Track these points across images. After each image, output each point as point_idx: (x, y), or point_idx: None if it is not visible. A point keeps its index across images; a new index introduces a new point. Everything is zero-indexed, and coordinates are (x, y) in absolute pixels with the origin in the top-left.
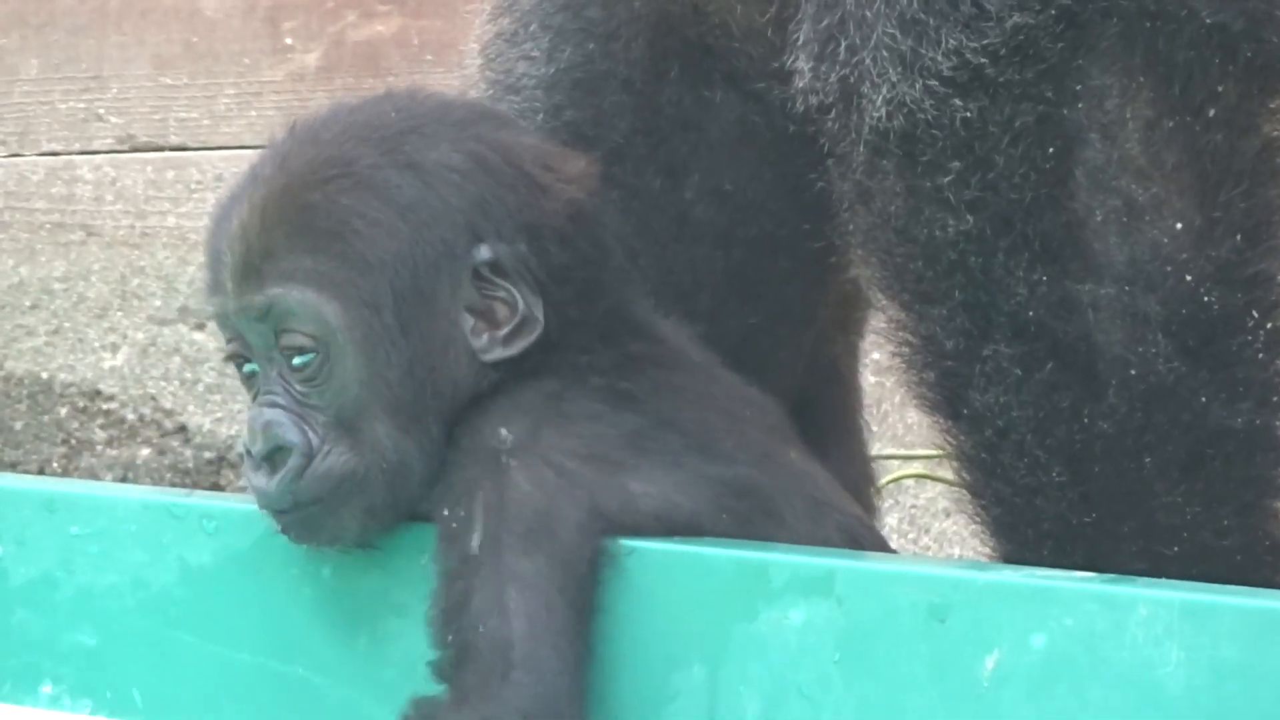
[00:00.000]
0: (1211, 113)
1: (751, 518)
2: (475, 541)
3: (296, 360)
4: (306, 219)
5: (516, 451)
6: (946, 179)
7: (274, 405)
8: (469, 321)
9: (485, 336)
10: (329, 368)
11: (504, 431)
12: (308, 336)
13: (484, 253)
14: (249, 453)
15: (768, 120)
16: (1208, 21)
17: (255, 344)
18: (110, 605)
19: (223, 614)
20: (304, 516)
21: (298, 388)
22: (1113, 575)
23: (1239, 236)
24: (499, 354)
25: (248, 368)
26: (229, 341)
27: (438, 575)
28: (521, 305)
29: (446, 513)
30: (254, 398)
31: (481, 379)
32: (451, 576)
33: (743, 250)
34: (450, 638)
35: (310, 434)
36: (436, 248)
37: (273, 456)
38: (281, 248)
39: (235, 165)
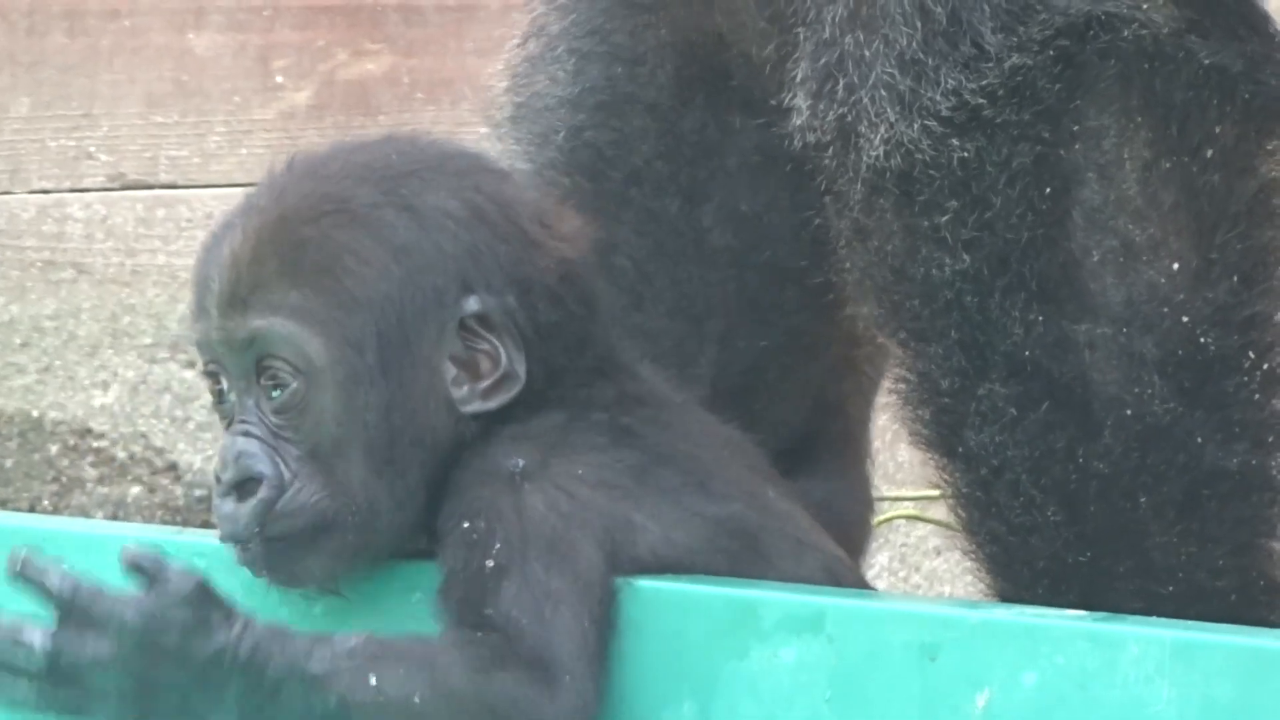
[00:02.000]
0: (1209, 154)
1: (742, 557)
2: (497, 549)
3: (275, 393)
4: (298, 253)
5: (529, 476)
6: (943, 218)
7: (248, 435)
8: (451, 371)
9: (466, 388)
10: (307, 403)
11: (516, 457)
12: (288, 371)
13: (473, 304)
14: (218, 479)
15: (786, 150)
16: (1206, 63)
17: (234, 372)
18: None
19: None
20: (268, 552)
21: (273, 419)
22: (1104, 614)
23: (1235, 278)
24: (478, 407)
25: (225, 390)
26: (207, 364)
27: (457, 570)
28: (505, 360)
29: (466, 525)
30: (227, 425)
31: (461, 430)
32: (478, 570)
33: (756, 276)
34: (489, 612)
35: (282, 468)
36: (426, 293)
37: (242, 485)
38: (270, 280)
39: (225, 203)
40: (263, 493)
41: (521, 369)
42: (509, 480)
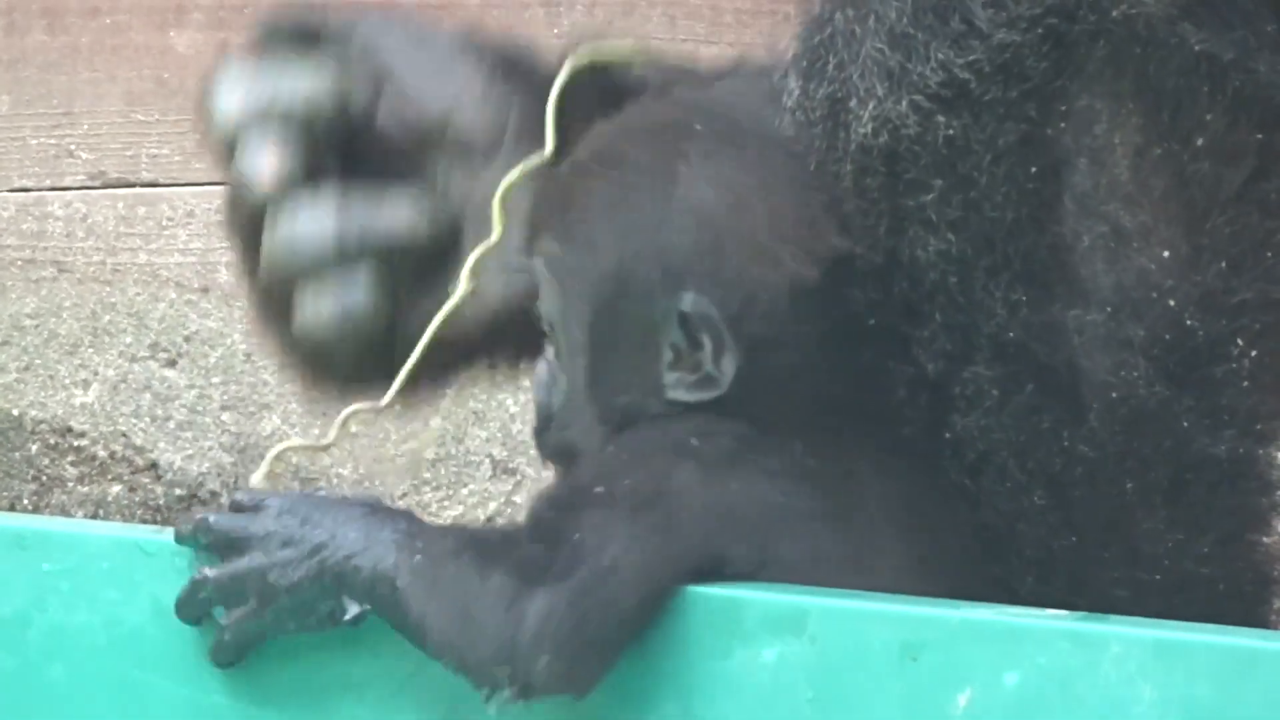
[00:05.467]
0: (1199, 141)
1: None
2: (625, 485)
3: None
4: (564, 201)
5: (695, 454)
6: (928, 197)
7: (545, 359)
8: (668, 357)
9: (674, 376)
10: (558, 347)
11: (692, 438)
12: (546, 314)
13: (696, 300)
14: None
15: None
16: (1197, 50)
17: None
18: (82, 643)
19: (194, 654)
20: None
21: (555, 354)
22: (1085, 614)
23: (1225, 264)
24: (680, 396)
25: None
26: None
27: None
28: (709, 362)
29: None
30: None
31: (654, 409)
32: (587, 487)
33: None
34: (558, 539)
35: (555, 395)
36: (656, 283)
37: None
38: (544, 221)
39: (206, 201)
40: (537, 422)
41: (728, 371)
42: (676, 448)
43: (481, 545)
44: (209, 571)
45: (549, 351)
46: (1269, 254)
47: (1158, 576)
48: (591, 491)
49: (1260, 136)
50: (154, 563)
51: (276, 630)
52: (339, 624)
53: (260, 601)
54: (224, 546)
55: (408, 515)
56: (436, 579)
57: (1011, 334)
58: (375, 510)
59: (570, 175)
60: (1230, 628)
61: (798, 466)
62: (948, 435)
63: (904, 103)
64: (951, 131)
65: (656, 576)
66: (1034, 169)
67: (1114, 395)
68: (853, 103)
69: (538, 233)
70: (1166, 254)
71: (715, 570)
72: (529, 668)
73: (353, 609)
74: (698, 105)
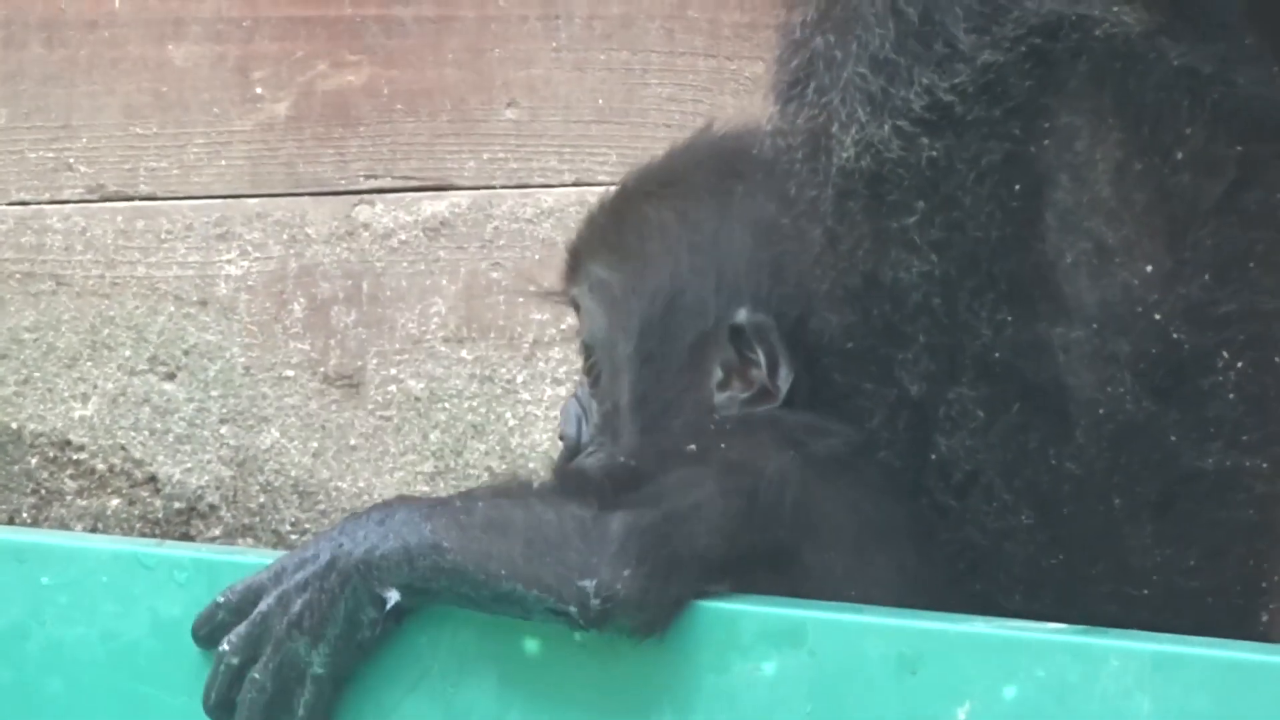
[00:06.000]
0: (1180, 154)
1: None
2: (719, 446)
3: (588, 358)
4: (615, 225)
5: (800, 445)
6: (911, 219)
7: (575, 395)
8: (717, 375)
9: (726, 395)
10: (599, 373)
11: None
12: (588, 341)
13: (750, 314)
14: None
15: None
16: (1176, 64)
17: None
18: (80, 656)
19: (193, 667)
20: None
21: (589, 381)
22: (1084, 627)
23: (1208, 277)
24: (733, 413)
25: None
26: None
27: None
28: (764, 376)
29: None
30: None
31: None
32: (655, 452)
33: None
34: (639, 479)
35: (584, 429)
36: (710, 297)
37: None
38: (589, 249)
39: (205, 215)
40: (560, 454)
41: (783, 385)
42: (785, 436)
43: (552, 485)
44: (255, 674)
45: (580, 385)
46: (1252, 264)
47: (1146, 591)
48: (683, 448)
49: (1240, 148)
50: (153, 576)
51: (342, 666)
52: (385, 624)
53: (311, 649)
54: (252, 649)
55: (407, 498)
56: (492, 523)
57: (996, 353)
58: (367, 512)
59: (621, 201)
60: (1228, 641)
61: (899, 483)
62: (933, 456)
63: (886, 127)
64: (935, 153)
65: (734, 535)
66: (1017, 187)
67: (1101, 411)
68: (834, 127)
69: (580, 262)
70: (1150, 268)
71: (789, 564)
72: (613, 577)
73: (392, 596)
74: (751, 133)
